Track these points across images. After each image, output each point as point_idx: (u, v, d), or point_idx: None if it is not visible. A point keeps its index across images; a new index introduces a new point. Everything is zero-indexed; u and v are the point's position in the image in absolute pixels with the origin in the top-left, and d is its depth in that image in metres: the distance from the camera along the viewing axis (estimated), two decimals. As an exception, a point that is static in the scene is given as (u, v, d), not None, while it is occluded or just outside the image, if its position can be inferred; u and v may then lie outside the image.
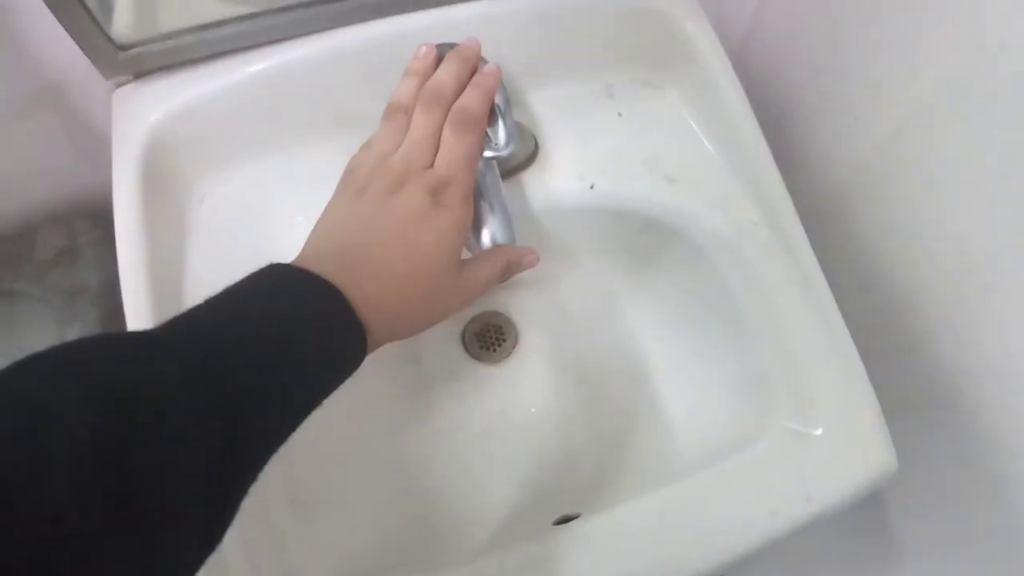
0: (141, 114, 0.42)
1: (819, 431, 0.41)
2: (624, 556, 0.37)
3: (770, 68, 0.54)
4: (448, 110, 0.35)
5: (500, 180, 0.37)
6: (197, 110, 0.43)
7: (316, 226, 0.34)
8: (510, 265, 0.37)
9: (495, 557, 0.36)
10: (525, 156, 0.45)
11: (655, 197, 0.46)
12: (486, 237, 0.37)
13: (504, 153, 0.35)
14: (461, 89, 0.36)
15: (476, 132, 0.35)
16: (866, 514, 0.60)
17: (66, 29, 0.38)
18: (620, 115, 0.48)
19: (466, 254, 0.38)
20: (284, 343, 0.27)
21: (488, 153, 0.35)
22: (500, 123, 0.35)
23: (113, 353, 0.23)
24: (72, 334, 0.42)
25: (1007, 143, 0.39)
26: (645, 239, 0.47)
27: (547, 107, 0.47)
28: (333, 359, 0.29)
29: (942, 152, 0.44)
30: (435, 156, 0.34)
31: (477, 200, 0.37)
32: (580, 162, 0.46)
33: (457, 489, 0.46)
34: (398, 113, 0.36)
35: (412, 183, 0.33)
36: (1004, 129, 0.39)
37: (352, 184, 0.35)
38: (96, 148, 0.43)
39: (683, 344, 0.48)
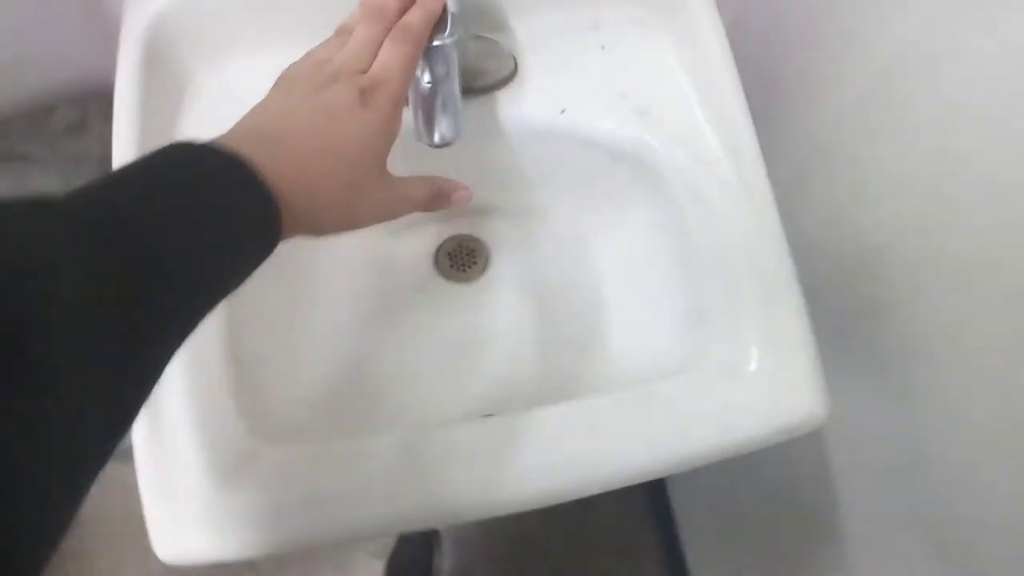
0: (149, 1, 0.46)
1: (752, 368, 0.42)
2: (536, 452, 0.39)
3: (764, 25, 0.54)
4: (390, 28, 0.35)
5: (457, 79, 0.39)
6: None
7: (240, 119, 0.33)
8: (440, 195, 0.37)
9: (418, 433, 0.39)
10: (503, 75, 0.47)
11: (624, 129, 0.46)
12: (436, 135, 0.39)
13: (447, 41, 0.36)
14: (404, 11, 0.36)
15: (414, 44, 0.35)
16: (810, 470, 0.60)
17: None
18: (603, 48, 0.48)
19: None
20: (189, 214, 0.25)
21: (435, 41, 0.36)
22: (448, 15, 0.36)
23: (14, 217, 0.22)
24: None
25: (975, 107, 0.39)
26: (613, 170, 0.48)
27: (532, 33, 0.48)
28: (243, 231, 0.28)
29: (910, 114, 0.43)
30: (372, 65, 0.34)
31: (432, 98, 0.38)
32: (556, 88, 0.47)
33: (404, 384, 0.48)
34: (343, 33, 0.36)
35: (343, 81, 0.33)
36: (970, 94, 0.38)
37: (283, 84, 0.34)
38: (110, 33, 0.46)
39: (639, 275, 0.50)
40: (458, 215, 0.55)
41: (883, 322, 0.50)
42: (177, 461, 0.38)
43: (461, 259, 0.55)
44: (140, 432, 0.38)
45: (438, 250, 0.55)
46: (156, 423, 0.38)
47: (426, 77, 0.38)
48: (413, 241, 0.55)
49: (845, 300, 0.52)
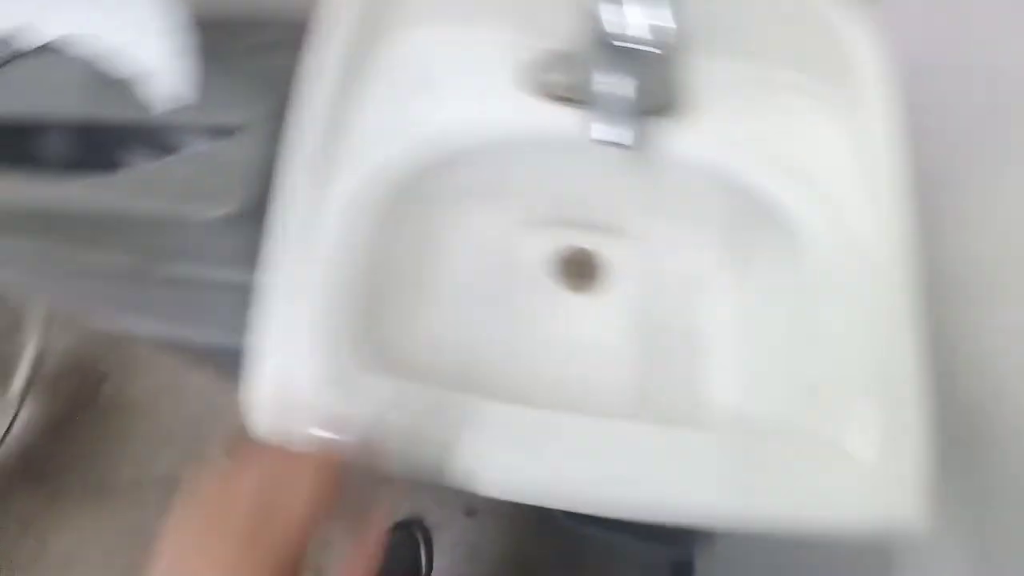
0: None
1: (853, 452, 0.40)
2: (596, 459, 0.39)
3: (957, 112, 0.52)
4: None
5: (636, 93, 0.39)
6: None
7: None
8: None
9: (492, 404, 0.40)
10: (668, 104, 0.47)
11: (775, 188, 0.46)
12: (602, 133, 0.40)
13: (657, 51, 0.36)
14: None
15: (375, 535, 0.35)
16: None
17: None
18: (775, 107, 0.48)
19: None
20: None
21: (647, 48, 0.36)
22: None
23: None
24: (259, 105, 0.53)
25: None
26: (753, 223, 0.48)
27: (713, 76, 0.49)
28: None
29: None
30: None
31: (614, 100, 0.39)
32: (718, 131, 0.47)
33: (497, 361, 0.50)
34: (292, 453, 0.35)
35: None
36: None
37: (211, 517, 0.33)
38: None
39: (753, 331, 0.49)
40: (586, 229, 0.56)
41: (1004, 466, 0.45)
42: (288, 354, 0.41)
43: (579, 269, 0.56)
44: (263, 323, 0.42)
45: (559, 256, 0.56)
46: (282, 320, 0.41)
47: (621, 79, 0.39)
48: (538, 242, 0.56)
49: (975, 423, 0.48)
